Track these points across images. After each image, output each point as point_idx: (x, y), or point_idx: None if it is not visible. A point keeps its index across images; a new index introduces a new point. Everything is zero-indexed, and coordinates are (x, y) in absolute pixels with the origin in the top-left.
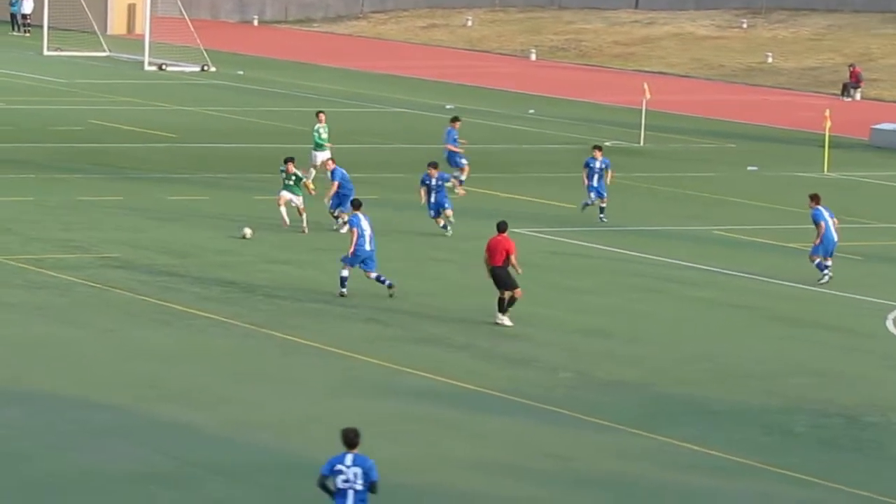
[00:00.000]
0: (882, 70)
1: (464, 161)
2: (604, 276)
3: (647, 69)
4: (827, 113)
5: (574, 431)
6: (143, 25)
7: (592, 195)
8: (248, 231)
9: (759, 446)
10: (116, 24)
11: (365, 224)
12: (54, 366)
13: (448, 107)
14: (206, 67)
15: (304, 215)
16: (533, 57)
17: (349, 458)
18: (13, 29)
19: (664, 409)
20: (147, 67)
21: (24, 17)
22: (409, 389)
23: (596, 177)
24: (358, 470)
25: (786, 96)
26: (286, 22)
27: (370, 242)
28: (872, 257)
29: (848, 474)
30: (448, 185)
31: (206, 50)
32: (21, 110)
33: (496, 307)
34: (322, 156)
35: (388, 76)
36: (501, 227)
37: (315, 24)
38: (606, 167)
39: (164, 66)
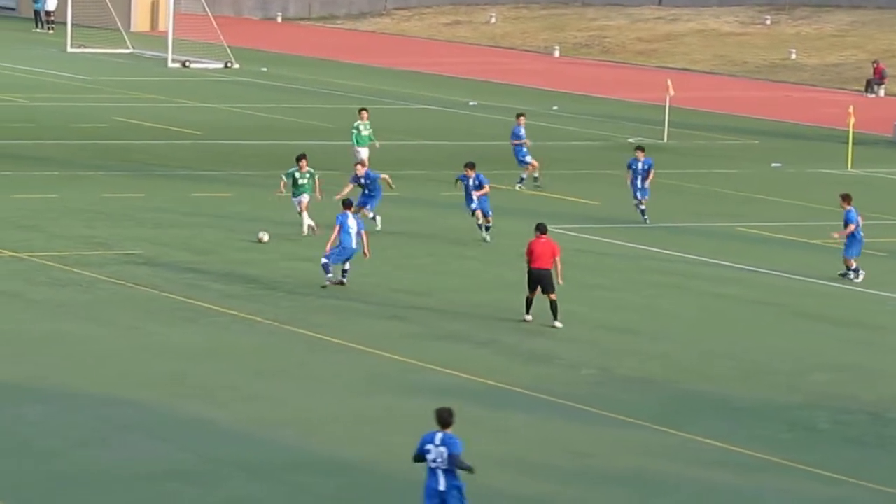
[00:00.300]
0: None
1: (528, 158)
2: (627, 272)
3: (670, 66)
4: (850, 109)
5: (597, 428)
6: (167, 22)
7: (639, 195)
8: (264, 236)
9: (782, 443)
10: (140, 20)
11: (352, 222)
12: (78, 363)
13: (472, 103)
14: (229, 64)
15: (307, 213)
16: (556, 54)
17: (438, 438)
18: (37, 26)
19: (687, 406)
20: (171, 64)
21: (48, 14)
22: (432, 386)
23: (639, 178)
24: (443, 450)
25: (809, 93)
26: (309, 18)
27: (355, 239)
28: None
29: (872, 471)
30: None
31: (229, 47)
32: (45, 107)
33: (525, 307)
34: (364, 152)
35: (411, 73)
36: (543, 229)
37: (338, 21)
38: (649, 167)
39: (187, 63)
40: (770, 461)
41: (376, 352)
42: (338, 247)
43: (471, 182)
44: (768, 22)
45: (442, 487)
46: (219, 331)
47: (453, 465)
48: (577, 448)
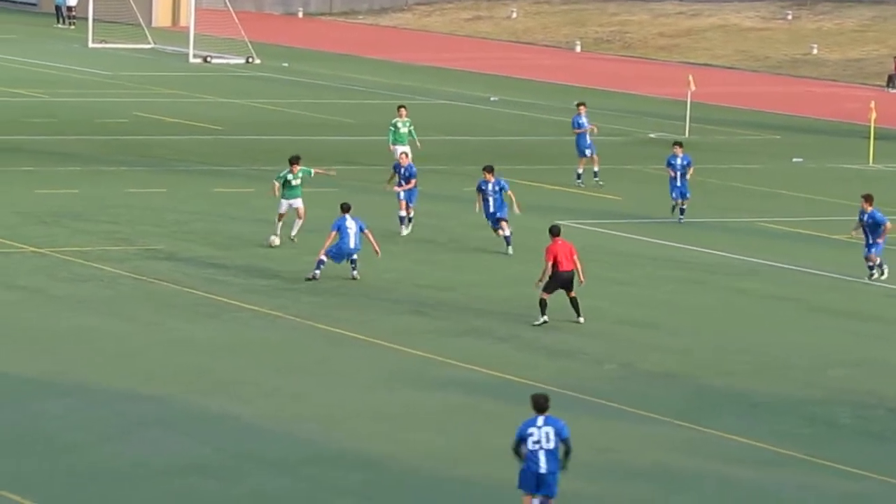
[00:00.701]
0: None
1: (588, 151)
2: (648, 267)
3: (691, 61)
4: (872, 104)
5: (619, 423)
6: (188, 18)
7: (675, 195)
8: (275, 240)
9: (802, 438)
10: (161, 16)
11: (350, 224)
12: (100, 358)
13: (493, 99)
14: (250, 60)
15: (302, 221)
16: (578, 49)
17: (540, 420)
18: (58, 21)
19: (708, 401)
20: (192, 60)
21: (69, 9)
22: (454, 381)
23: (679, 175)
24: (550, 429)
25: (830, 88)
26: (330, 14)
27: (355, 239)
28: None
29: (893, 466)
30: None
31: (250, 42)
32: (66, 103)
33: (541, 309)
34: (401, 149)
35: (432, 68)
36: (557, 231)
37: (360, 16)
38: (688, 164)
39: (208, 59)
40: (791, 456)
41: (398, 347)
42: (335, 247)
43: (489, 187)
44: (789, 17)
45: (543, 470)
46: (240, 326)
47: (566, 444)
48: (600, 443)
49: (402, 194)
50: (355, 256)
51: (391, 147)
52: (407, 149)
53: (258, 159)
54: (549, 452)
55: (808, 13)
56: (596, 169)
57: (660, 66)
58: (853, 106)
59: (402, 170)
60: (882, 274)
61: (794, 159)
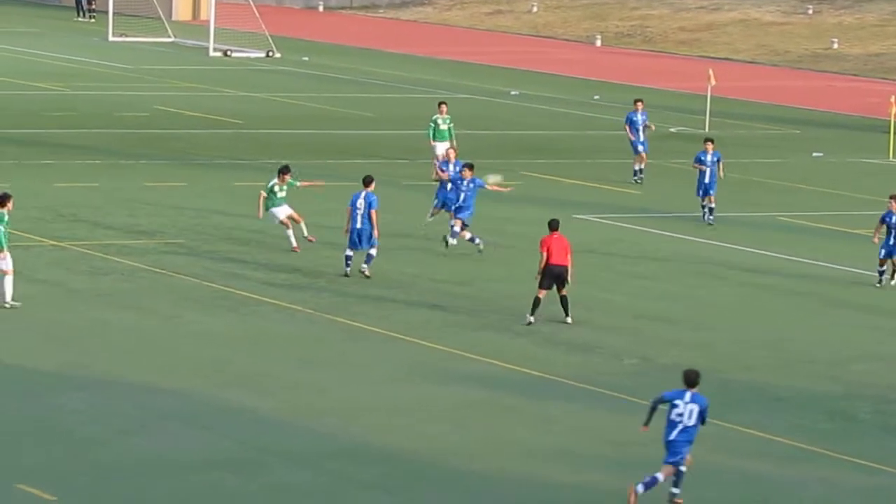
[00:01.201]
0: None
1: (640, 149)
2: (667, 262)
3: (712, 55)
4: (893, 99)
5: (638, 418)
6: (208, 11)
7: (700, 192)
8: (294, 242)
9: (822, 433)
10: (181, 9)
11: (360, 203)
12: (120, 352)
13: (514, 93)
14: (271, 53)
15: (302, 221)
16: (598, 43)
17: (688, 395)
18: (78, 15)
19: (728, 396)
20: (212, 53)
21: (89, 2)
22: (472, 375)
23: (708, 172)
24: (694, 407)
25: (851, 82)
26: (351, 8)
27: (362, 220)
28: None
29: None
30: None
31: (271, 36)
32: (86, 96)
33: (532, 307)
34: (442, 147)
35: (453, 62)
36: (555, 226)
37: (380, 10)
38: (718, 160)
39: (229, 52)
40: (810, 451)
41: (416, 341)
42: (350, 231)
43: (464, 183)
44: (810, 11)
45: (672, 437)
46: (259, 320)
47: (702, 419)
48: (618, 437)
49: (437, 202)
50: (372, 252)
51: (431, 143)
52: (441, 152)
53: (277, 153)
54: (686, 429)
55: (828, 7)
56: (639, 167)
57: (680, 61)
58: (874, 100)
59: (449, 165)
60: (892, 279)
61: (814, 154)
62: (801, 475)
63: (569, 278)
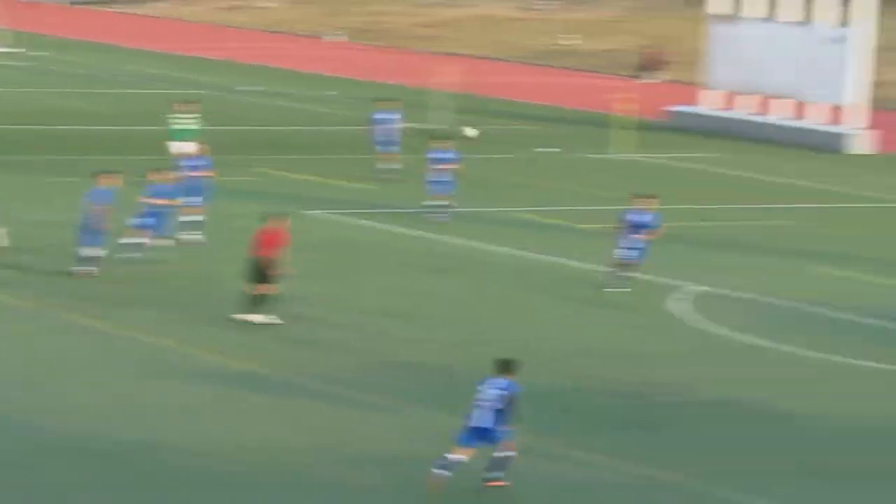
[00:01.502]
0: (683, 53)
1: (393, 148)
2: (399, 257)
3: (450, 51)
4: (622, 95)
5: (359, 413)
6: None
7: (436, 190)
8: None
9: (554, 426)
10: None
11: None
12: None
13: (241, 88)
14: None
15: None
16: (334, 38)
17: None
18: None
19: (458, 390)
20: None
21: None
22: (200, 373)
23: (443, 170)
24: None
25: (584, 78)
26: (85, 3)
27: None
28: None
29: (636, 451)
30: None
31: (12, 31)
32: None
33: (250, 305)
34: (179, 146)
35: (190, 58)
36: (267, 219)
37: (116, 6)
38: (454, 159)
39: None
40: (543, 445)
41: (143, 337)
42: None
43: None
44: (545, 7)
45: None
46: None
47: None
48: (336, 432)
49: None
50: (96, 252)
51: (172, 143)
52: (181, 150)
53: None
54: (497, 413)
55: (565, 4)
56: (389, 166)
57: (418, 57)
58: (604, 96)
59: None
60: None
61: (539, 149)
62: (529, 468)
63: (275, 271)
